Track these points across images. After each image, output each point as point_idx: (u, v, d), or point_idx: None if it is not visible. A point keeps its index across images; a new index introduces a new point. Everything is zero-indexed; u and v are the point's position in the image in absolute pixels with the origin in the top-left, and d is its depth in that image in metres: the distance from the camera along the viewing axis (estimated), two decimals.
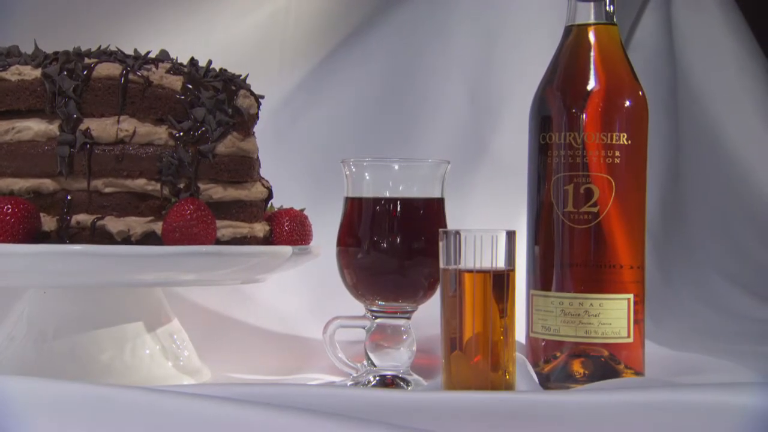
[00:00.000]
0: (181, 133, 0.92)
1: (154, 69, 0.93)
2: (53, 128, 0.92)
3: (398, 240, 0.95)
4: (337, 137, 1.40)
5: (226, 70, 0.97)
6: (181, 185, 0.92)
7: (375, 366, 0.96)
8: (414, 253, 0.95)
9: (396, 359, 0.96)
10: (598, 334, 0.92)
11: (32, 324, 0.97)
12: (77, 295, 0.97)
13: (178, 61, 0.97)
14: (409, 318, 0.97)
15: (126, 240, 0.91)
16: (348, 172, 0.98)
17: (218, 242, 0.92)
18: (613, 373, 0.93)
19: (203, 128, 0.92)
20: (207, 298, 1.20)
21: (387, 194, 0.96)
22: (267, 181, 1.02)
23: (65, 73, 0.92)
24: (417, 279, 0.95)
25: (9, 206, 0.88)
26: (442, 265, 0.86)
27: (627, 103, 0.94)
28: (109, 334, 0.96)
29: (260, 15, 1.42)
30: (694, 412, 0.74)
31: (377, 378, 0.96)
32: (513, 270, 0.84)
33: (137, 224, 0.91)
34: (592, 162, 0.93)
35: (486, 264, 0.83)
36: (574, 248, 0.94)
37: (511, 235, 0.84)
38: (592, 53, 0.95)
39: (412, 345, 0.97)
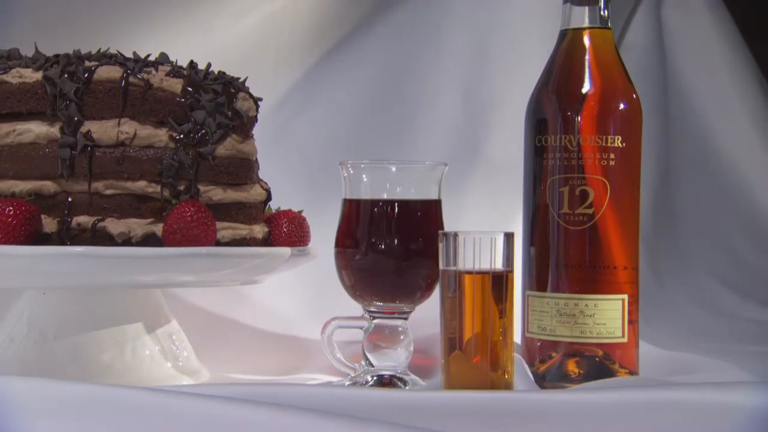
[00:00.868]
0: (182, 136, 0.93)
1: (154, 72, 0.94)
2: (54, 131, 0.93)
3: (396, 241, 0.95)
4: (332, 139, 1.40)
5: (224, 73, 0.98)
6: (182, 187, 0.93)
7: (373, 366, 0.97)
8: (411, 255, 0.96)
9: (393, 359, 0.97)
10: (593, 334, 0.94)
11: (32, 325, 0.98)
12: (78, 296, 0.97)
13: (178, 64, 0.97)
14: (406, 318, 0.98)
15: (127, 241, 0.92)
16: (346, 174, 0.99)
17: (218, 244, 0.93)
18: (608, 373, 0.94)
19: (203, 131, 0.93)
20: (205, 299, 1.21)
21: (385, 196, 0.97)
22: (266, 182, 1.03)
23: (66, 75, 0.93)
24: (414, 280, 0.96)
25: (10, 208, 0.88)
26: (441, 266, 0.87)
27: (621, 106, 0.95)
28: (110, 335, 0.97)
29: (256, 17, 1.43)
30: (689, 411, 0.75)
31: (375, 378, 0.97)
32: (511, 271, 0.85)
33: (138, 226, 0.92)
34: (587, 164, 0.94)
35: (485, 265, 0.84)
36: (569, 249, 0.95)
37: (509, 237, 0.85)
38: (587, 57, 0.96)
39: (410, 345, 0.97)
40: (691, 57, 1.74)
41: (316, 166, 1.35)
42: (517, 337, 0.96)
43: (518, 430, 0.74)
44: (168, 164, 0.92)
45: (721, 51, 1.75)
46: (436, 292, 0.96)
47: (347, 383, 0.97)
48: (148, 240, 0.92)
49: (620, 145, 0.95)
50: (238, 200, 0.96)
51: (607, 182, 0.94)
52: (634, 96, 0.97)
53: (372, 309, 0.97)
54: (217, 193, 0.94)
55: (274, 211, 1.04)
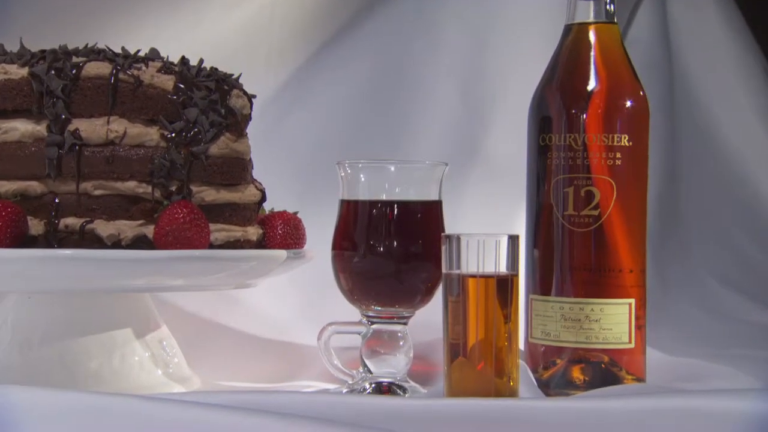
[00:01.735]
0: (173, 134, 0.93)
1: (144, 68, 0.95)
2: (41, 129, 0.93)
3: (395, 244, 0.96)
4: (325, 137, 1.41)
5: (217, 69, 0.98)
6: (173, 188, 0.93)
7: (371, 373, 0.98)
8: (411, 258, 0.96)
9: (393, 366, 0.97)
10: (599, 340, 0.94)
11: (17, 330, 0.98)
12: (64, 301, 0.98)
13: (169, 60, 0.98)
14: (406, 323, 0.98)
15: (116, 244, 0.92)
16: (343, 174, 0.99)
17: (211, 246, 0.94)
18: (615, 380, 0.94)
19: (196, 129, 0.94)
20: (196, 304, 1.21)
21: (383, 197, 0.97)
22: (260, 183, 1.03)
23: (53, 72, 0.93)
24: (414, 284, 0.97)
25: None
26: (444, 269, 0.88)
27: (628, 104, 0.96)
28: (98, 341, 0.97)
29: (245, 11, 1.43)
30: (698, 419, 0.76)
31: (373, 385, 0.97)
32: (516, 275, 0.86)
33: (128, 228, 0.93)
34: (593, 164, 0.95)
35: (489, 269, 0.85)
36: (574, 252, 0.96)
37: (514, 240, 0.86)
38: (592, 53, 0.97)
39: (409, 351, 0.98)
40: (697, 52, 1.75)
41: (311, 166, 1.36)
42: (520, 343, 0.97)
43: None
44: (159, 164, 0.93)
45: (729, 46, 1.76)
46: (437, 297, 0.97)
47: (344, 391, 0.98)
48: (139, 242, 0.92)
49: (627, 144, 0.95)
50: (231, 201, 0.97)
51: (613, 182, 0.95)
52: (641, 93, 0.98)
53: (370, 314, 0.98)
54: (210, 194, 0.95)
55: (267, 213, 1.04)
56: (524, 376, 0.90)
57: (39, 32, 1.15)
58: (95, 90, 0.94)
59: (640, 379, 0.96)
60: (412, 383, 0.98)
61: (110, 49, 0.97)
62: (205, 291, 1.17)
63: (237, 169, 0.97)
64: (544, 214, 0.98)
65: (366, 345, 0.98)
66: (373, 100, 1.44)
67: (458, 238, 0.86)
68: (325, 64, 1.45)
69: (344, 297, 1.00)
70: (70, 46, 0.98)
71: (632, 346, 0.95)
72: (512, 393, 0.86)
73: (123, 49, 0.98)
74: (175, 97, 0.94)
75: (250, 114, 0.99)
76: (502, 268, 0.86)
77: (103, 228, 0.92)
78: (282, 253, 0.97)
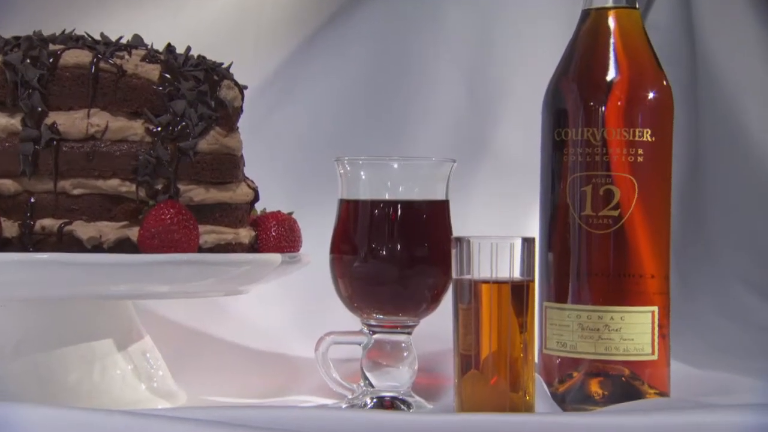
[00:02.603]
0: (159, 129, 0.94)
1: (127, 56, 0.95)
2: (15, 123, 0.94)
3: (399, 247, 0.97)
4: (319, 131, 1.41)
5: (205, 58, 0.99)
6: (159, 186, 0.94)
7: (373, 386, 0.98)
8: (416, 262, 0.97)
9: (396, 379, 0.98)
10: (619, 351, 0.95)
11: None
12: (40, 309, 0.98)
13: (154, 48, 0.99)
14: (410, 333, 0.99)
15: (97, 247, 0.93)
16: (342, 171, 1.00)
17: (200, 250, 0.94)
18: (636, 394, 0.95)
19: (183, 123, 0.94)
20: (182, 312, 1.22)
21: (386, 196, 0.98)
22: (252, 181, 1.04)
23: (29, 61, 0.94)
24: (419, 290, 0.98)
25: None
26: (454, 275, 0.89)
27: (651, 96, 0.97)
28: (76, 353, 0.97)
29: None
30: None
31: (375, 400, 0.98)
32: (532, 280, 0.87)
33: (110, 230, 0.93)
34: (612, 161, 0.96)
35: (502, 274, 0.86)
36: (592, 255, 0.97)
37: (529, 243, 0.87)
38: (612, 40, 0.98)
39: (414, 363, 0.99)
40: (722, 38, 1.75)
41: (305, 162, 1.36)
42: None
43: None
44: (144, 160, 0.93)
45: (757, 31, 1.76)
46: (443, 304, 0.98)
47: (344, 406, 0.99)
48: (122, 246, 0.93)
49: (649, 139, 0.96)
50: (222, 201, 0.97)
51: (634, 180, 0.96)
52: (665, 83, 0.98)
53: (372, 322, 0.99)
54: (199, 193, 0.96)
55: (260, 213, 1.05)
56: (539, 390, 0.91)
57: (8, 16, 1.16)
58: (74, 80, 0.95)
59: (663, 394, 0.97)
60: (417, 398, 0.99)
61: (90, 36, 0.98)
62: (192, 298, 1.18)
63: (228, 166, 0.98)
64: (559, 214, 0.99)
65: (367, 356, 0.99)
66: (372, 90, 1.44)
67: (470, 241, 0.87)
68: (319, 50, 1.45)
69: (343, 304, 1.00)
70: (44, 32, 0.98)
71: (655, 357, 0.96)
72: (528, 408, 0.86)
73: (102, 35, 0.99)
74: (160, 88, 0.95)
75: (241, 106, 1.00)
76: (516, 274, 0.87)
77: (83, 230, 0.93)
78: (276, 257, 0.98)
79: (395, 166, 0.99)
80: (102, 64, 0.95)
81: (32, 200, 0.94)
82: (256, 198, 1.03)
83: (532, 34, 1.44)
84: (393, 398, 0.98)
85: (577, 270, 0.97)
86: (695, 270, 1.63)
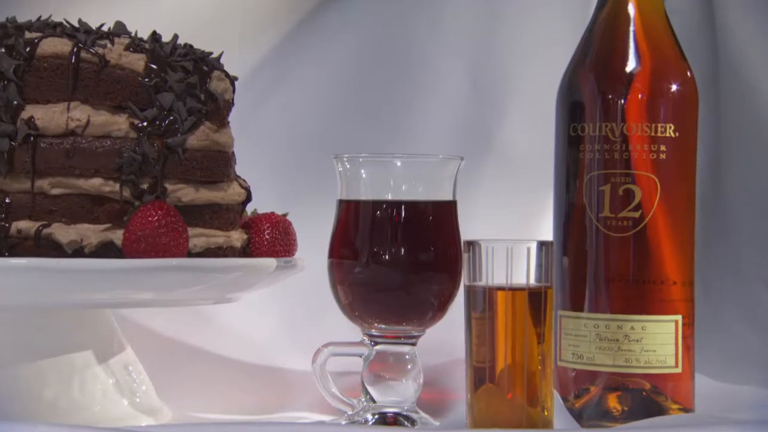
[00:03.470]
0: (145, 123, 0.95)
1: (110, 46, 0.96)
2: None
3: (403, 251, 0.98)
4: (312, 126, 1.41)
5: (193, 47, 1.00)
6: (145, 186, 0.94)
7: (374, 402, 0.99)
8: (421, 267, 0.98)
9: (399, 393, 0.99)
10: (640, 363, 0.96)
11: None
12: (15, 319, 0.98)
13: (138, 36, 0.99)
14: (414, 344, 1.00)
15: (78, 252, 0.93)
16: (341, 170, 1.01)
17: (189, 254, 0.95)
18: (658, 410, 0.96)
19: (171, 117, 0.95)
20: (166, 322, 1.22)
21: (389, 196, 0.99)
22: (244, 180, 1.05)
23: (4, 50, 0.94)
24: (425, 298, 0.98)
25: None
26: (466, 281, 0.90)
27: (674, 88, 0.98)
28: (54, 366, 0.98)
29: None
30: None
31: (377, 416, 0.99)
32: (551, 287, 0.88)
33: (92, 233, 0.94)
34: (633, 158, 0.97)
35: (518, 280, 0.87)
36: (610, 260, 0.98)
37: (547, 246, 0.88)
38: (632, 27, 0.99)
39: (419, 376, 0.99)
40: (746, 24, 1.76)
41: (299, 160, 1.36)
42: None
43: None
44: (129, 158, 0.94)
45: None
46: (450, 313, 0.99)
47: (343, 422, 0.99)
48: (105, 250, 0.93)
49: (673, 134, 0.98)
50: (213, 201, 0.98)
51: (657, 180, 0.97)
52: (689, 75, 1.00)
53: (373, 332, 1.00)
54: (188, 193, 0.96)
55: (250, 215, 1.06)
56: (558, 404, 0.92)
57: None
58: (53, 71, 0.96)
59: (687, 409, 0.98)
60: (422, 414, 1.00)
61: (69, 23, 0.99)
62: (178, 306, 1.18)
63: (219, 164, 0.98)
64: (575, 216, 1.00)
65: (368, 369, 1.00)
66: (369, 82, 1.44)
67: (483, 245, 0.88)
68: (311, 37, 1.45)
69: (343, 313, 1.01)
70: (19, 18, 0.99)
71: (679, 370, 0.97)
72: (546, 424, 0.87)
73: (82, 22, 1.00)
74: (146, 80, 0.96)
75: (232, 99, 1.01)
76: (533, 280, 0.88)
77: (62, 233, 0.94)
78: (270, 262, 0.99)
79: (398, 164, 1.00)
80: (83, 54, 0.95)
81: (7, 201, 0.95)
82: (249, 198, 1.04)
83: (544, 22, 1.43)
84: (396, 414, 0.99)
85: (595, 276, 0.98)
86: (719, 276, 1.63)
